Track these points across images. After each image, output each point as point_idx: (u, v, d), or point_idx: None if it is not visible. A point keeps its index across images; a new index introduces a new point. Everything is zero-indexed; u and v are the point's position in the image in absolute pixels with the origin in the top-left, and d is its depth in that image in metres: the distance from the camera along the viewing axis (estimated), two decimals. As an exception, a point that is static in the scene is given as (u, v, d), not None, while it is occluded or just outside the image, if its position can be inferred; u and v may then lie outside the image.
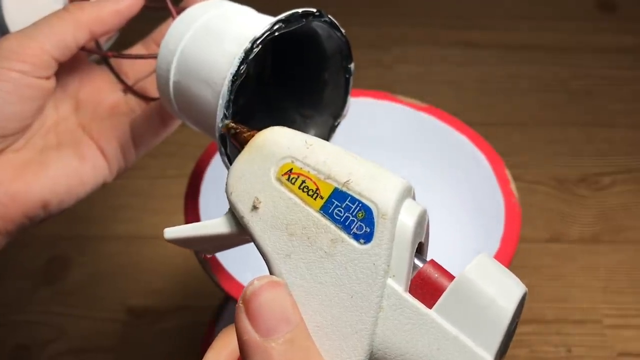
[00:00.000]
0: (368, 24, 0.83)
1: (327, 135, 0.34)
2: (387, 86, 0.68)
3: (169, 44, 0.32)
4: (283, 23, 0.30)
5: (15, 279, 0.59)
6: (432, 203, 0.41)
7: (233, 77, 0.29)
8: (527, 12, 0.88)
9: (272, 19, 0.30)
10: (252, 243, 0.26)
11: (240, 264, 0.38)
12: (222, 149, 0.30)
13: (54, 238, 0.62)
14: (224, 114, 0.30)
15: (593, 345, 0.56)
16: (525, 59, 0.82)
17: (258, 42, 0.29)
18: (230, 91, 0.30)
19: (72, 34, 0.34)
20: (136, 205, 0.65)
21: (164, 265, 0.60)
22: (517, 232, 0.35)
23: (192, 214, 0.36)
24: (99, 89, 0.38)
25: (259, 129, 0.27)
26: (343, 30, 0.32)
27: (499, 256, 0.34)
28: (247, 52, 0.29)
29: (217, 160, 0.39)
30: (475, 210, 0.39)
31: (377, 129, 0.41)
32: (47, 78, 0.34)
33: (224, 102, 0.30)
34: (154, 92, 0.38)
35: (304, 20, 0.30)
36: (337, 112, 0.34)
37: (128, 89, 0.38)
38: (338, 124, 0.34)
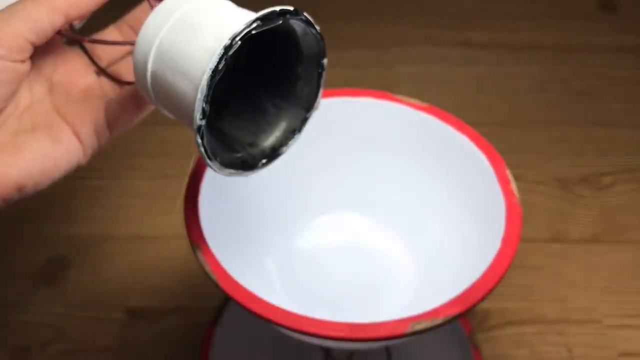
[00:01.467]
0: (368, 24, 0.83)
1: (299, 127, 0.36)
2: (387, 86, 0.67)
3: (147, 34, 0.33)
4: (261, 21, 0.31)
5: (15, 279, 0.59)
6: (432, 203, 0.41)
7: (212, 72, 0.30)
8: (527, 12, 0.88)
9: (251, 16, 0.31)
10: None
11: (240, 265, 0.38)
12: (200, 141, 0.31)
13: (54, 238, 0.62)
14: (202, 108, 0.31)
15: (594, 345, 0.56)
16: (526, 58, 0.82)
17: (237, 38, 0.30)
18: (209, 86, 0.30)
19: (47, 17, 0.34)
20: (136, 206, 0.65)
21: (164, 265, 0.60)
22: (517, 233, 0.35)
23: (191, 213, 0.36)
24: (73, 72, 0.38)
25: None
26: (318, 28, 0.33)
27: (500, 256, 0.34)
28: (227, 48, 0.30)
29: None
30: (476, 210, 0.39)
31: (376, 129, 0.41)
32: (23, 61, 0.34)
33: (202, 96, 0.30)
34: (128, 75, 0.38)
35: (281, 18, 0.31)
36: (309, 105, 0.35)
37: (102, 72, 0.38)
38: (310, 116, 0.35)
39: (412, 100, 0.42)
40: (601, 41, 0.84)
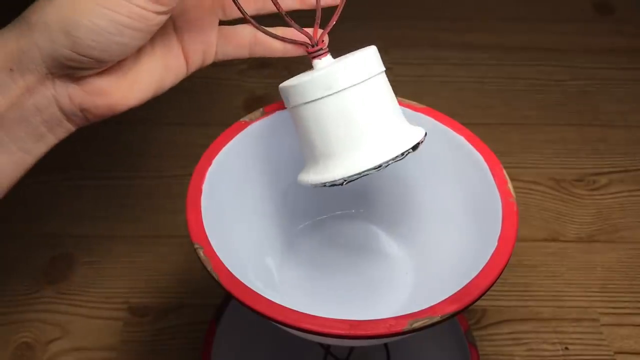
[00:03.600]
0: (368, 26, 0.83)
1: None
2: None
3: (317, 85, 0.34)
4: (413, 149, 0.35)
5: (18, 277, 0.59)
6: (430, 202, 0.42)
7: (354, 176, 0.34)
8: (524, 14, 0.89)
9: (406, 143, 0.35)
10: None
11: (242, 264, 0.39)
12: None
13: (57, 237, 0.63)
14: (329, 184, 0.35)
15: (590, 344, 0.56)
16: (523, 60, 0.82)
17: (384, 165, 0.34)
18: (345, 182, 0.35)
19: None
20: (139, 205, 0.65)
21: (167, 264, 0.61)
22: (514, 231, 0.35)
23: (193, 213, 0.36)
24: None
25: None
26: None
27: (497, 255, 0.34)
28: (374, 168, 0.34)
29: (218, 160, 0.40)
30: (473, 209, 0.39)
31: None
32: (166, 13, 0.33)
33: (335, 181, 0.35)
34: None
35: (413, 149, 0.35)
36: None
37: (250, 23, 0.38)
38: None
39: (410, 102, 0.42)
40: (597, 43, 0.84)
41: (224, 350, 0.49)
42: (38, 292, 0.59)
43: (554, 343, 0.57)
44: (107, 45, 0.32)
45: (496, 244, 0.35)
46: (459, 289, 0.33)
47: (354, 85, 0.34)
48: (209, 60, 0.40)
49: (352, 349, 0.46)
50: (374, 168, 0.34)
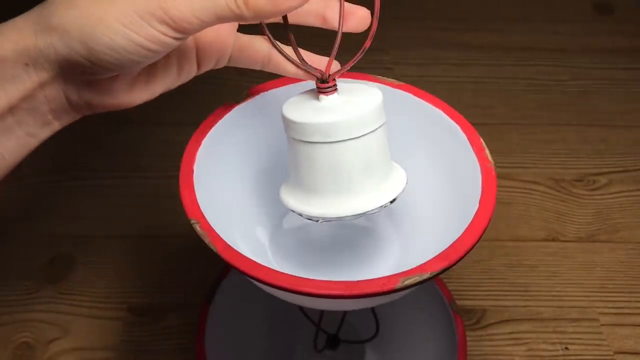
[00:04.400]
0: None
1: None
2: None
3: (316, 130, 0.35)
4: (391, 202, 0.37)
5: (18, 277, 0.60)
6: (412, 174, 0.44)
7: (332, 219, 0.36)
8: (524, 14, 0.89)
9: (387, 196, 0.37)
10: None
11: (235, 237, 0.40)
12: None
13: (57, 237, 0.63)
14: (306, 217, 0.37)
15: (590, 344, 0.57)
16: (523, 60, 0.82)
17: (375, 210, 0.36)
18: (321, 221, 0.37)
19: (229, 8, 0.32)
20: (139, 205, 0.66)
21: (166, 264, 0.61)
22: (493, 194, 0.37)
23: (187, 191, 0.37)
24: None
25: None
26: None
27: (479, 215, 0.36)
28: (352, 216, 0.36)
29: (206, 143, 0.41)
30: (454, 176, 0.41)
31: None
32: (185, 38, 0.33)
33: (311, 217, 0.37)
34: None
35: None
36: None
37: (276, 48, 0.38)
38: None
39: (390, 80, 0.43)
40: (597, 43, 0.84)
41: (217, 332, 0.50)
42: (38, 292, 0.59)
43: (554, 343, 0.57)
44: (123, 60, 0.32)
45: (477, 205, 0.37)
46: (445, 248, 0.35)
47: (351, 139, 0.35)
48: (221, 65, 0.40)
49: (341, 324, 0.47)
50: (353, 216, 0.36)
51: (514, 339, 0.57)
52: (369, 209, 0.36)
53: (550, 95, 0.78)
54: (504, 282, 0.61)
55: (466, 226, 0.35)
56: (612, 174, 0.70)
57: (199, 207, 0.36)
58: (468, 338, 0.56)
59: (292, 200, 0.38)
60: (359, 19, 0.37)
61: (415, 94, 0.43)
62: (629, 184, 0.69)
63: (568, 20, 0.88)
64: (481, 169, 0.38)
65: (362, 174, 0.36)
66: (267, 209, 0.45)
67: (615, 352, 0.56)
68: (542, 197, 0.67)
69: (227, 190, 0.42)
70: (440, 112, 0.42)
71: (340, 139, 0.35)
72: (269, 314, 0.54)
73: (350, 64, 0.37)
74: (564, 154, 0.72)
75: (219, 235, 0.35)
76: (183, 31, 0.32)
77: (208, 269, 0.59)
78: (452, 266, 0.34)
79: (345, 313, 0.48)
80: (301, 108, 0.36)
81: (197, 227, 0.35)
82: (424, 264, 0.33)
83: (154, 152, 0.70)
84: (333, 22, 0.38)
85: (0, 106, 0.32)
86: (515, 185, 0.68)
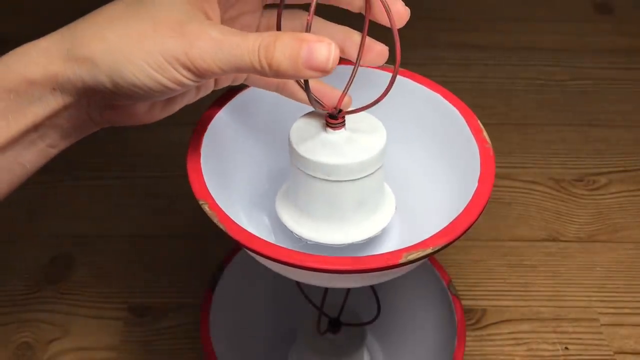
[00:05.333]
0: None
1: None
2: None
3: (317, 168, 0.36)
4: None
5: (18, 277, 0.60)
6: (411, 156, 0.45)
7: (321, 244, 0.39)
8: (524, 14, 0.89)
9: (375, 228, 0.39)
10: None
11: (241, 219, 0.41)
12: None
13: (57, 237, 0.63)
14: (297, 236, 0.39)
15: (590, 344, 0.57)
16: (523, 60, 0.82)
17: (364, 240, 0.39)
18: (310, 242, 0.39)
19: (250, 61, 0.32)
20: (139, 205, 0.66)
21: (166, 263, 0.61)
22: (492, 173, 0.38)
23: (195, 174, 0.38)
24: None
25: None
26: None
27: (479, 193, 0.37)
28: (340, 244, 0.39)
29: (213, 125, 0.41)
30: (453, 156, 0.42)
31: (357, 94, 0.42)
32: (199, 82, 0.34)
33: (302, 239, 0.39)
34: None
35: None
36: None
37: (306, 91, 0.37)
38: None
39: (389, 66, 0.44)
40: (597, 43, 0.84)
41: (220, 318, 0.50)
42: (38, 292, 0.59)
43: (554, 343, 0.57)
44: (146, 95, 0.33)
45: (477, 184, 0.37)
46: (446, 225, 0.36)
47: (350, 180, 0.37)
48: (237, 83, 0.41)
49: (342, 307, 0.49)
50: (340, 245, 0.39)
51: (514, 339, 0.57)
52: (358, 240, 0.39)
53: (550, 95, 0.78)
54: (504, 282, 0.61)
55: (466, 204, 0.36)
56: (612, 174, 0.70)
57: (207, 188, 0.37)
58: (468, 338, 0.56)
59: (286, 215, 0.40)
60: (377, 54, 0.38)
61: (413, 79, 0.44)
62: (629, 184, 0.69)
63: (568, 20, 0.88)
64: (479, 149, 0.39)
65: (356, 208, 0.38)
66: (274, 192, 0.45)
67: (615, 352, 0.56)
68: (542, 197, 0.67)
69: (233, 171, 0.43)
70: (439, 95, 0.43)
71: (339, 180, 0.37)
72: (273, 298, 0.55)
73: (363, 109, 0.37)
74: (564, 154, 0.72)
75: (227, 215, 0.35)
76: (204, 77, 0.33)
77: (208, 268, 0.59)
78: (453, 242, 0.35)
79: (346, 297, 0.49)
80: (308, 139, 0.37)
81: (206, 208, 0.36)
82: (427, 239, 0.34)
83: (154, 152, 0.70)
84: (351, 54, 0.38)
85: (26, 124, 0.33)
86: (515, 185, 0.68)
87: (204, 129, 0.40)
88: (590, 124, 0.75)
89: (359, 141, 0.37)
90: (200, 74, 0.32)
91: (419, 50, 0.83)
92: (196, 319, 0.52)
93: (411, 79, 0.44)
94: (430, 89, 0.43)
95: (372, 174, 0.37)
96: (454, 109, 0.42)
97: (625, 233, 0.65)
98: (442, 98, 0.43)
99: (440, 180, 0.43)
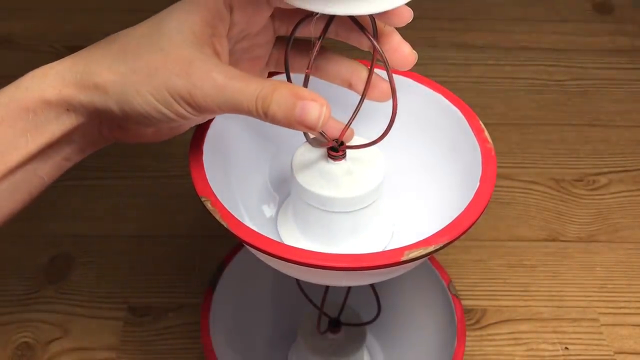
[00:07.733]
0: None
1: None
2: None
3: (314, 198, 0.38)
4: None
5: (18, 277, 0.60)
6: (414, 156, 0.45)
7: None
8: (524, 14, 0.89)
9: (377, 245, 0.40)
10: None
11: (243, 215, 0.41)
12: None
13: (57, 237, 0.63)
14: None
15: (590, 344, 0.57)
16: (523, 60, 0.82)
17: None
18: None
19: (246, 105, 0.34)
20: (139, 205, 0.66)
21: (166, 264, 0.61)
22: (493, 172, 0.38)
23: (197, 171, 0.38)
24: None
25: None
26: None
27: (480, 193, 0.37)
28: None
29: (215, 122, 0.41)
30: (455, 157, 0.42)
31: (359, 118, 0.42)
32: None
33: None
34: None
35: None
36: None
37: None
38: None
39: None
40: (596, 42, 0.84)
41: (220, 318, 0.50)
42: (38, 292, 0.59)
43: (554, 343, 0.57)
44: (153, 123, 0.36)
45: (478, 183, 0.38)
46: (448, 223, 0.36)
47: (346, 212, 0.38)
48: None
49: (342, 308, 0.49)
50: None
51: (514, 339, 0.57)
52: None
53: (550, 95, 0.78)
54: (504, 282, 0.61)
55: (467, 203, 0.36)
56: (612, 174, 0.70)
57: (209, 184, 0.37)
58: (468, 338, 0.56)
59: (284, 228, 0.41)
60: (381, 92, 0.39)
61: (415, 79, 0.44)
62: (629, 184, 0.69)
63: (568, 20, 0.88)
64: (481, 149, 0.40)
65: (350, 234, 0.39)
66: (276, 189, 0.46)
67: (615, 352, 0.56)
68: (542, 197, 0.67)
69: (235, 168, 0.43)
70: (440, 95, 0.43)
71: (336, 211, 0.38)
72: (273, 298, 0.55)
73: (364, 146, 0.38)
74: (564, 154, 0.72)
75: (229, 212, 0.36)
76: (204, 114, 0.35)
77: (208, 268, 0.59)
78: (454, 240, 0.35)
79: (346, 297, 0.49)
80: (308, 166, 0.38)
81: (208, 204, 0.36)
82: (428, 237, 0.35)
83: (154, 152, 0.70)
84: (357, 89, 0.39)
85: (44, 141, 0.36)
86: (515, 185, 0.68)
87: (207, 125, 0.40)
88: (590, 124, 0.75)
89: (357, 174, 0.38)
90: (200, 111, 0.34)
91: (419, 50, 0.82)
92: (196, 319, 0.52)
93: (412, 78, 0.44)
94: (432, 88, 0.44)
95: (368, 206, 0.38)
96: (455, 108, 0.42)
97: (625, 233, 0.65)
98: (443, 98, 0.43)
99: (442, 180, 0.43)
